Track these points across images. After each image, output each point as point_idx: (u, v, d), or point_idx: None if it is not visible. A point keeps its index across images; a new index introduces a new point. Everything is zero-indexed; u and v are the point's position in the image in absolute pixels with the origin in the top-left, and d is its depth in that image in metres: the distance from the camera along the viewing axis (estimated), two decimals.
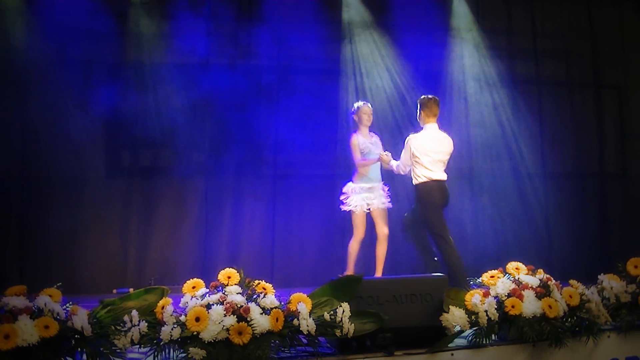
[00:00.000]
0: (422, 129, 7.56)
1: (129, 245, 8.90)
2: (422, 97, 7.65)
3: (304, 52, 9.21)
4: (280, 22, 9.21)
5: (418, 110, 7.61)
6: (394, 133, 9.35)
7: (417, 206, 7.47)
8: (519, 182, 10.05)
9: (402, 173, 7.62)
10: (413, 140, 7.41)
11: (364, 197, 7.80)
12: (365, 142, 7.89)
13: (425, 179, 7.32)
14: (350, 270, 7.85)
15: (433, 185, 7.32)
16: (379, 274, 7.84)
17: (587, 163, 10.50)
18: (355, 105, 8.10)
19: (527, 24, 10.47)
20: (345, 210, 7.85)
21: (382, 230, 7.88)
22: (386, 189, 8.00)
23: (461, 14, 10.05)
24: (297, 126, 9.16)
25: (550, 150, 10.21)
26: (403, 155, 7.52)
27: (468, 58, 10.04)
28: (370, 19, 9.74)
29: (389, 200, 7.96)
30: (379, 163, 7.90)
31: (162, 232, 9.01)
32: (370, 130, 8.08)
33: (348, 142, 8.00)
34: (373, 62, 9.73)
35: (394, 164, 7.71)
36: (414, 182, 7.44)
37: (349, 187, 7.89)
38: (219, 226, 9.10)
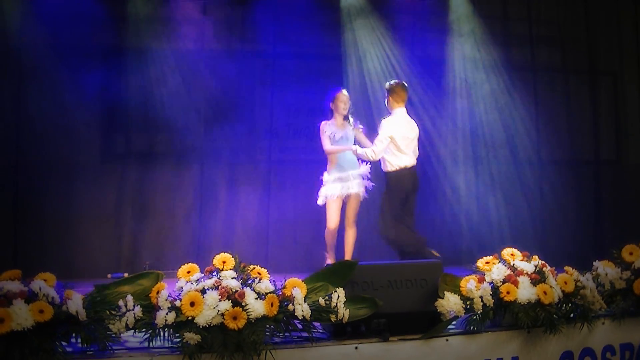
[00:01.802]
0: (389, 114, 7.58)
1: (124, 230, 8.91)
2: (390, 82, 7.68)
3: (301, 38, 9.19)
4: (278, 7, 9.18)
5: (386, 96, 7.61)
6: None
7: (386, 193, 7.48)
8: (514, 169, 10.06)
9: (375, 159, 7.54)
10: (388, 125, 7.41)
11: (338, 186, 7.66)
12: (335, 130, 7.74)
13: (397, 167, 7.36)
14: (331, 252, 7.80)
15: (400, 171, 7.36)
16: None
17: (581, 150, 10.51)
18: (332, 92, 7.91)
19: (523, 11, 10.45)
20: (323, 199, 7.72)
21: (352, 219, 7.78)
22: (367, 169, 7.83)
23: (458, 1, 10.02)
24: (292, 112, 9.16)
25: (545, 137, 10.21)
26: (378, 141, 7.44)
27: (464, 45, 10.02)
28: (368, 6, 9.72)
29: (371, 185, 7.82)
30: None
31: (156, 217, 9.02)
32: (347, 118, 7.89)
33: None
34: (371, 48, 9.71)
35: (360, 151, 7.58)
36: (388, 169, 7.45)
37: (323, 180, 7.78)
38: (214, 211, 9.11)
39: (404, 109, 7.61)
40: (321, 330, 4.52)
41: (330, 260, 7.73)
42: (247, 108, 9.17)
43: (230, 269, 4.27)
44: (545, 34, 10.53)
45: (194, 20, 8.99)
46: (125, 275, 6.08)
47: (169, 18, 8.93)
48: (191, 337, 3.93)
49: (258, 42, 9.30)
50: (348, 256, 7.75)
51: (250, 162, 9.32)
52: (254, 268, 4.33)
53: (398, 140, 7.37)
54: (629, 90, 10.66)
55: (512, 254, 4.95)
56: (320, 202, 7.74)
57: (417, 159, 7.67)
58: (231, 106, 9.05)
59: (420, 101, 9.76)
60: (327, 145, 7.72)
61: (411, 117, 7.72)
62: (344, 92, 7.96)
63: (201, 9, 9.05)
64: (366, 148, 7.60)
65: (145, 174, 9.02)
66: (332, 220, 7.68)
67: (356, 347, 4.37)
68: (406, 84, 7.74)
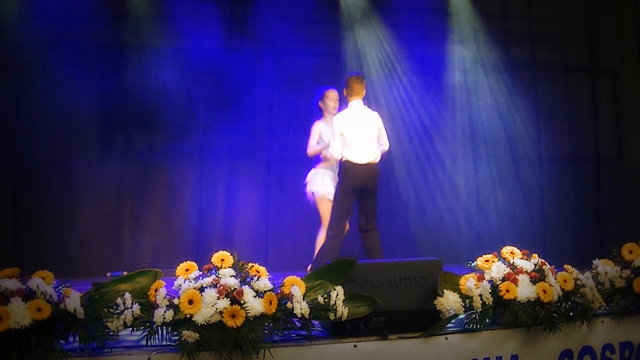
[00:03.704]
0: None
1: (123, 228, 8.90)
2: (347, 75, 7.51)
3: (301, 36, 9.18)
4: (278, 5, 9.16)
5: (343, 89, 7.45)
6: (392, 115, 9.33)
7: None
8: (514, 167, 10.07)
9: (334, 158, 7.40)
10: (337, 121, 7.25)
11: (329, 183, 7.59)
12: (328, 132, 7.58)
13: (345, 160, 7.14)
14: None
15: (349, 167, 7.13)
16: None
17: (582, 148, 10.51)
18: (321, 90, 7.81)
19: (523, 9, 10.44)
20: (311, 197, 7.67)
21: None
22: None
23: None
24: (292, 110, 9.15)
25: (546, 135, 10.21)
26: (332, 139, 7.29)
27: (464, 43, 10.02)
28: (368, 5, 9.71)
29: None
30: None
31: (155, 215, 9.03)
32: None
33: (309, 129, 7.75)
34: (371, 46, 9.71)
35: (325, 152, 7.53)
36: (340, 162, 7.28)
37: (312, 173, 7.71)
38: (213, 209, 9.11)
39: (360, 102, 7.33)
40: (320, 329, 4.51)
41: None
42: (247, 106, 9.16)
43: (228, 267, 4.26)
44: (546, 32, 10.53)
45: (194, 18, 8.97)
46: (125, 273, 6.06)
47: (168, 16, 8.92)
48: (189, 335, 3.92)
49: (258, 40, 9.30)
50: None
51: (250, 160, 9.33)
52: (253, 266, 4.32)
53: (348, 135, 7.15)
54: (629, 88, 10.66)
55: (511, 252, 4.94)
56: (311, 189, 7.65)
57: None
58: (231, 104, 9.05)
59: (420, 99, 9.77)
60: (310, 146, 7.67)
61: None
62: (334, 90, 7.83)
63: (201, 6, 9.03)
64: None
65: (145, 171, 9.03)
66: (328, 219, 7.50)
67: (355, 345, 4.36)
68: (363, 76, 7.48)
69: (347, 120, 7.23)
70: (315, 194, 7.65)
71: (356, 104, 7.32)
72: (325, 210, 7.52)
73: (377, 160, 7.26)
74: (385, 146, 7.40)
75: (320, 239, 7.62)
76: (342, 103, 7.60)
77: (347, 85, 7.36)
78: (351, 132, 7.16)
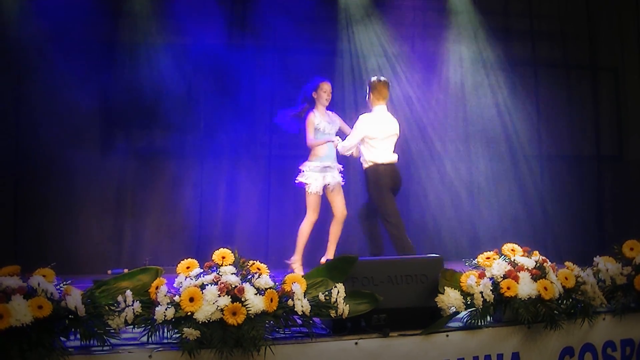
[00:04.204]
0: (370, 110, 7.55)
1: (124, 225, 8.90)
2: (372, 79, 7.59)
3: (301, 32, 9.16)
4: (277, 3, 9.15)
5: (367, 92, 7.56)
6: (392, 113, 9.33)
7: (369, 191, 7.45)
8: (514, 164, 10.08)
9: (347, 154, 7.59)
10: (363, 122, 7.37)
11: (318, 176, 7.68)
12: (322, 121, 7.74)
13: (372, 163, 7.31)
14: (299, 254, 7.76)
15: (381, 169, 7.29)
16: (330, 255, 7.70)
17: (583, 146, 10.52)
18: (316, 81, 7.86)
19: (524, 6, 10.44)
20: (303, 187, 7.72)
21: (342, 210, 7.81)
22: (340, 167, 7.92)
23: None
24: (292, 106, 9.14)
25: (546, 133, 10.22)
26: (351, 136, 7.46)
27: (465, 40, 10.02)
28: (367, 2, 9.70)
29: (344, 180, 7.89)
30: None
31: (156, 213, 9.02)
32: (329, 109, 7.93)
33: (304, 121, 7.79)
34: (370, 43, 9.70)
35: (340, 145, 7.63)
36: (364, 166, 7.43)
37: (305, 166, 7.76)
38: (214, 206, 9.12)
39: (384, 107, 7.53)
40: (321, 326, 4.53)
41: (297, 265, 7.74)
42: (248, 103, 9.15)
43: (229, 265, 4.26)
44: (546, 29, 10.53)
45: (193, 15, 8.96)
46: (125, 271, 6.06)
47: (169, 13, 8.91)
48: (190, 333, 3.92)
49: (259, 37, 9.29)
50: (331, 253, 7.77)
51: (251, 157, 9.32)
52: (254, 263, 4.32)
53: (372, 138, 7.32)
54: (630, 86, 10.65)
55: (512, 250, 4.94)
56: (301, 179, 7.71)
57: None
58: (231, 101, 9.04)
59: (419, 98, 9.78)
60: (309, 138, 7.73)
61: (393, 115, 7.66)
62: (328, 83, 7.90)
63: (201, 4, 9.02)
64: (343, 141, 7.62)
65: (145, 169, 9.03)
66: (314, 212, 7.72)
67: (356, 343, 4.36)
68: (388, 82, 7.64)
69: (374, 122, 7.39)
70: (305, 186, 7.71)
71: (382, 108, 7.49)
72: (314, 203, 7.68)
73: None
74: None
75: (304, 230, 7.78)
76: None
77: (374, 89, 7.49)
78: (378, 134, 7.34)
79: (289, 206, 9.20)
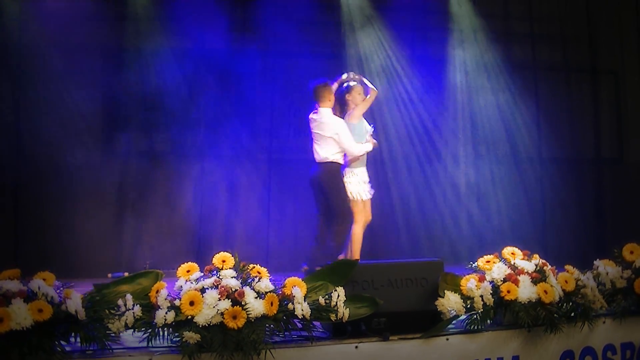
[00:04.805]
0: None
1: (124, 229, 8.89)
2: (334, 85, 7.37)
3: (302, 37, 9.16)
4: (279, 6, 9.15)
5: (345, 97, 7.34)
6: (394, 115, 9.34)
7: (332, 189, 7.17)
8: (515, 167, 10.08)
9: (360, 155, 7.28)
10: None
11: (362, 183, 7.29)
12: (361, 127, 7.30)
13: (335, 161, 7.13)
14: (356, 256, 7.20)
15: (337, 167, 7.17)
16: (357, 256, 7.29)
17: (583, 148, 10.51)
18: (348, 82, 7.37)
19: (524, 9, 10.45)
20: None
21: (368, 217, 7.40)
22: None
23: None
24: (293, 111, 9.14)
25: (547, 135, 10.21)
26: (351, 139, 7.11)
27: (465, 43, 10.02)
28: (369, 5, 9.71)
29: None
30: None
31: (157, 216, 9.01)
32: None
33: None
34: (371, 47, 9.71)
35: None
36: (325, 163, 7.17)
37: (347, 173, 7.27)
38: (214, 210, 9.12)
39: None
40: (321, 330, 4.52)
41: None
42: (249, 106, 9.16)
43: (229, 268, 4.27)
44: (547, 32, 10.53)
45: (196, 18, 8.96)
46: (126, 274, 6.06)
47: (170, 17, 8.91)
48: (190, 337, 3.92)
49: (261, 41, 9.27)
50: (357, 254, 7.49)
51: (251, 161, 9.32)
52: (254, 267, 4.33)
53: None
54: (630, 89, 10.65)
55: (512, 253, 4.95)
56: (351, 194, 7.22)
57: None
58: (232, 104, 9.04)
59: (421, 100, 9.78)
60: (354, 145, 7.12)
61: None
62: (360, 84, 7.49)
63: (203, 7, 9.03)
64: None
65: (146, 172, 9.02)
66: (362, 215, 7.25)
67: (356, 346, 4.36)
68: (329, 84, 7.30)
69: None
70: (356, 195, 7.27)
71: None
72: (359, 208, 7.24)
73: None
74: None
75: (357, 234, 7.32)
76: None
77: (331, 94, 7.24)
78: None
79: (289, 210, 9.21)
